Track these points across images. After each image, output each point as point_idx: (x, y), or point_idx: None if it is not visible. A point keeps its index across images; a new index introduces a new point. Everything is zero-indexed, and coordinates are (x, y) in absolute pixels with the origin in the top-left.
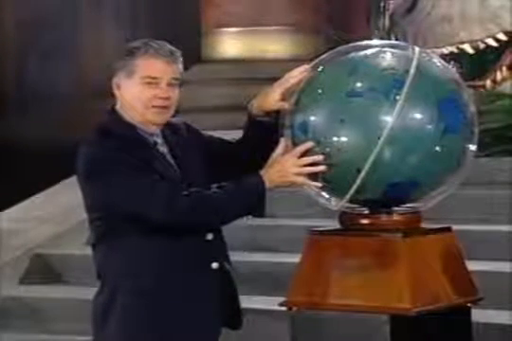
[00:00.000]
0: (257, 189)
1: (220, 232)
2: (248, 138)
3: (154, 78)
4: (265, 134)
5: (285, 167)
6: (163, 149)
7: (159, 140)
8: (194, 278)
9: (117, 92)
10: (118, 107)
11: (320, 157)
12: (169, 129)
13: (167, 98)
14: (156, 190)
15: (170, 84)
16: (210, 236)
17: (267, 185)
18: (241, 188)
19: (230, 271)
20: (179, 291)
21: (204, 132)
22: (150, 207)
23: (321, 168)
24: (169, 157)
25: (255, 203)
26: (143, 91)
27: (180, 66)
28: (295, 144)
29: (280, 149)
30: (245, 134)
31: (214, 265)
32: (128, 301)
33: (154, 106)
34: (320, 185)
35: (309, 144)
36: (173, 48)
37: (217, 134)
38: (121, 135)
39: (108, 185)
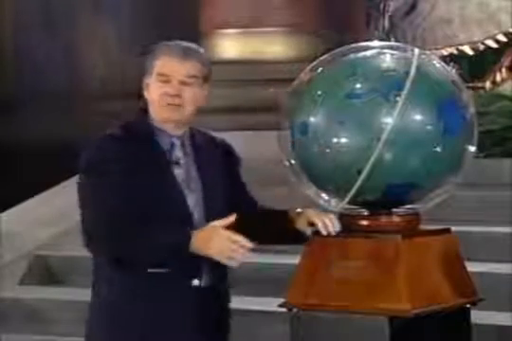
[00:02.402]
0: (178, 248)
1: None
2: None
3: (165, 75)
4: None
5: (219, 239)
6: (178, 153)
7: (178, 143)
8: (167, 295)
9: (145, 92)
10: (145, 107)
11: (249, 245)
12: (204, 140)
13: (177, 96)
14: (101, 208)
15: (182, 83)
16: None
17: (193, 247)
18: (166, 240)
19: (218, 288)
20: (150, 308)
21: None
22: (87, 221)
23: (196, 282)
24: (183, 162)
25: (170, 257)
26: (156, 88)
27: (198, 65)
28: (294, 145)
29: (226, 221)
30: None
31: (196, 282)
32: (105, 307)
33: (164, 103)
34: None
35: (232, 218)
36: (192, 47)
37: (216, 135)
38: (134, 136)
39: (83, 187)
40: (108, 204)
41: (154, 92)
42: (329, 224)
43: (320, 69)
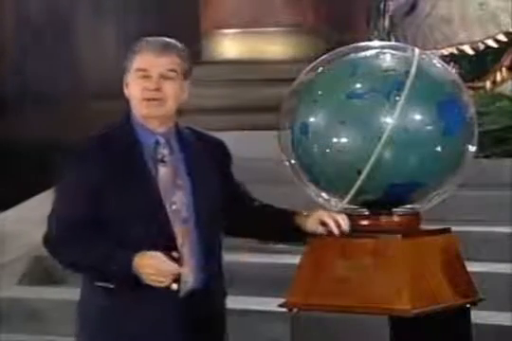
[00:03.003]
0: (120, 272)
1: (209, 249)
2: (278, 232)
3: (143, 70)
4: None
5: (149, 268)
6: (164, 150)
7: (162, 140)
8: (148, 299)
9: (125, 91)
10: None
11: (180, 271)
12: (192, 137)
13: (157, 90)
14: (59, 216)
15: (163, 76)
16: (176, 254)
17: (133, 268)
18: (111, 257)
19: (207, 289)
20: (130, 312)
21: (236, 179)
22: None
23: (174, 286)
24: (169, 159)
25: (111, 274)
26: (136, 84)
27: (177, 59)
28: (295, 145)
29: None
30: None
31: (174, 286)
32: (85, 312)
33: (145, 99)
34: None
35: (179, 270)
36: (171, 42)
37: (216, 135)
38: (116, 138)
39: (57, 188)
40: (71, 209)
41: (134, 88)
42: (342, 223)
43: (320, 69)
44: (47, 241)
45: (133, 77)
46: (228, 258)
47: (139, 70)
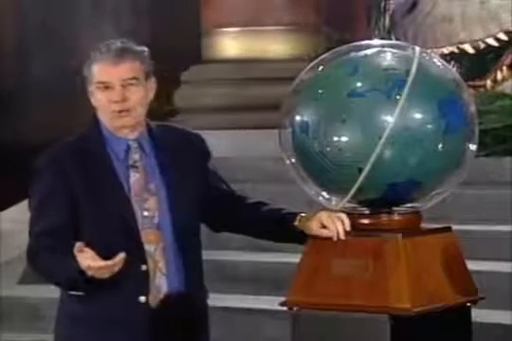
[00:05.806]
0: (70, 274)
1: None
2: (274, 233)
3: (104, 82)
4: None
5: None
6: (135, 156)
7: (134, 145)
8: (118, 312)
9: (91, 100)
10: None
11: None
12: (167, 136)
13: (123, 101)
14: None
15: (125, 85)
16: (144, 267)
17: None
18: (62, 264)
19: (179, 297)
20: (101, 324)
21: (217, 175)
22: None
23: (142, 299)
24: (141, 164)
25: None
26: (100, 97)
27: (135, 64)
28: (295, 143)
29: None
30: (276, 230)
31: (142, 299)
32: (64, 314)
33: (113, 111)
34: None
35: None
36: (126, 47)
37: (217, 134)
38: (86, 146)
39: (29, 193)
40: (41, 218)
41: (99, 100)
42: (340, 230)
43: (320, 68)
44: (28, 256)
45: (95, 88)
46: (228, 257)
47: (100, 83)
